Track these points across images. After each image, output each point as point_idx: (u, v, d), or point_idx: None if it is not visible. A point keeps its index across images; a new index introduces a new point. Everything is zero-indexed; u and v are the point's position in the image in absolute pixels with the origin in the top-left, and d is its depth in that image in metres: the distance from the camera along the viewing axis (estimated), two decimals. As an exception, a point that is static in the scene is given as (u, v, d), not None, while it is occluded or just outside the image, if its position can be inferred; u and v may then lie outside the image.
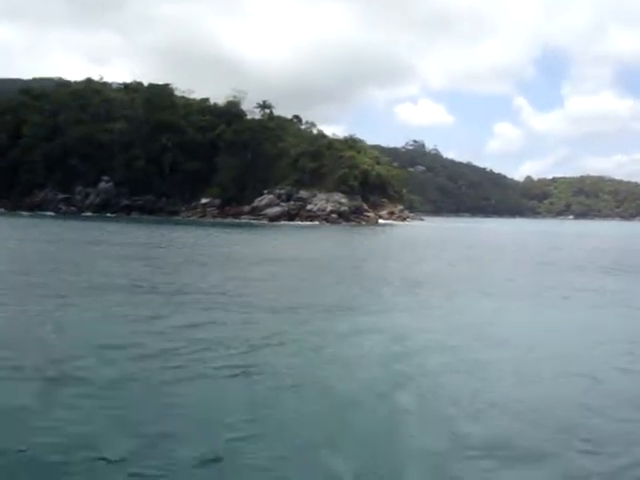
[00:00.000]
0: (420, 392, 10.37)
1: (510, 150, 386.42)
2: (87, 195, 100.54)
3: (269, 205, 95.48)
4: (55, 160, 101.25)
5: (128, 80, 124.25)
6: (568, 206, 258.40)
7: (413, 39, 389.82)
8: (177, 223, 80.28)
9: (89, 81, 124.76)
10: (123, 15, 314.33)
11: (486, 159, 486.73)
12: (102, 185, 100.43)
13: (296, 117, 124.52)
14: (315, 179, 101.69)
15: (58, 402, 9.25)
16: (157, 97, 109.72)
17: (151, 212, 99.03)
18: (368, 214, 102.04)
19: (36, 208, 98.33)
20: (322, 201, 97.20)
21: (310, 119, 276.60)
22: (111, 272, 25.10)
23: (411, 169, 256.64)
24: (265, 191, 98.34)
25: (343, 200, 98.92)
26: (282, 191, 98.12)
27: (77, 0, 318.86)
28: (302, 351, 12.78)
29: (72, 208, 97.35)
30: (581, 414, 9.59)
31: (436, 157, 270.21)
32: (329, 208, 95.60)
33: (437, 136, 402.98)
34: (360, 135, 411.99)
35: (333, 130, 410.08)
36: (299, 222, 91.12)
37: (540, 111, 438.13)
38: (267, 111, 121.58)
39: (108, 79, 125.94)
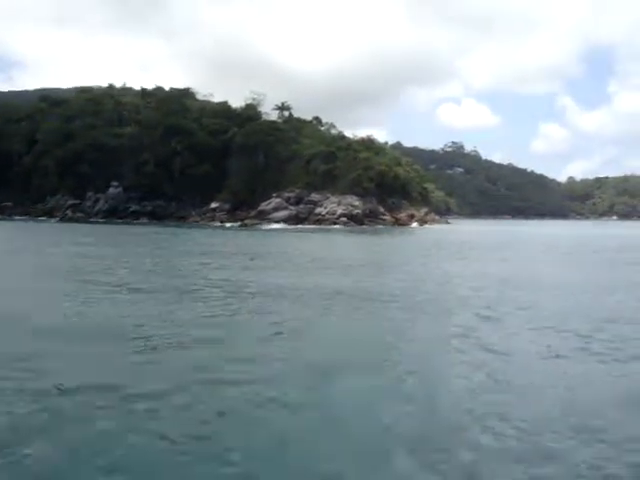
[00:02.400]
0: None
1: (556, 150, 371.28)
2: (97, 201, 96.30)
3: (276, 209, 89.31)
4: (67, 166, 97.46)
5: (174, 85, 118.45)
6: (611, 207, 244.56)
7: (455, 38, 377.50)
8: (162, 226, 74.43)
9: (110, 87, 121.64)
10: (168, 21, 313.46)
11: (531, 160, 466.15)
12: (111, 191, 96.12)
13: (316, 118, 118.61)
14: (328, 181, 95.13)
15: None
16: (168, 101, 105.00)
17: (160, 218, 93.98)
18: (384, 217, 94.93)
19: (47, 214, 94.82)
20: (333, 204, 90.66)
21: (351, 122, 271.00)
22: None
23: (449, 171, 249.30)
24: (274, 194, 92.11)
25: (356, 203, 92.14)
26: (291, 194, 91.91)
27: (122, 6, 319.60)
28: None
29: (79, 214, 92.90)
30: None
31: (475, 159, 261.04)
32: (339, 211, 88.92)
33: (481, 137, 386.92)
34: (401, 137, 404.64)
35: (374, 133, 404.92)
36: (306, 226, 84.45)
37: (586, 110, 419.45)
38: (286, 113, 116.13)
39: (147, 85, 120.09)
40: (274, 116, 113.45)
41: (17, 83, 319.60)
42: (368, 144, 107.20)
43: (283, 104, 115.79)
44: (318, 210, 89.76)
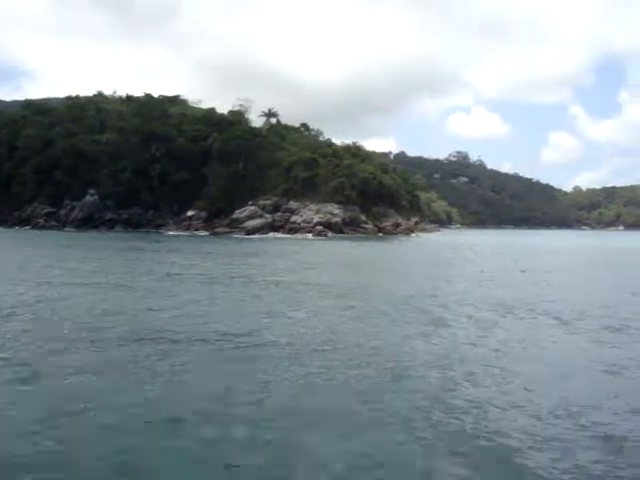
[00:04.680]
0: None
1: (566, 160, 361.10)
2: (72, 209, 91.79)
3: (250, 217, 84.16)
4: (45, 173, 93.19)
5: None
6: (618, 216, 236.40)
7: (465, 47, 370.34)
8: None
9: (99, 94, 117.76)
10: (177, 30, 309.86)
11: (541, 170, 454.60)
12: (87, 198, 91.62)
13: (303, 125, 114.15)
14: (309, 189, 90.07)
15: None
16: (149, 107, 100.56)
17: (136, 226, 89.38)
18: (366, 226, 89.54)
19: (23, 222, 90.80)
20: (310, 212, 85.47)
21: (361, 132, 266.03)
22: None
23: (453, 181, 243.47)
24: (250, 202, 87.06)
25: (336, 211, 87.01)
26: (268, 202, 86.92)
27: (131, 15, 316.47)
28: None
29: (52, 223, 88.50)
30: None
31: (480, 168, 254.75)
32: (316, 219, 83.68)
33: (490, 146, 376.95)
34: (410, 147, 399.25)
35: (382, 142, 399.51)
36: (278, 234, 79.38)
37: (597, 119, 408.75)
38: (273, 119, 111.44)
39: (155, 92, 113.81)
40: (261, 123, 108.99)
41: (26, 93, 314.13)
42: (354, 151, 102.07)
43: (270, 110, 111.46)
44: (294, 218, 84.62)
